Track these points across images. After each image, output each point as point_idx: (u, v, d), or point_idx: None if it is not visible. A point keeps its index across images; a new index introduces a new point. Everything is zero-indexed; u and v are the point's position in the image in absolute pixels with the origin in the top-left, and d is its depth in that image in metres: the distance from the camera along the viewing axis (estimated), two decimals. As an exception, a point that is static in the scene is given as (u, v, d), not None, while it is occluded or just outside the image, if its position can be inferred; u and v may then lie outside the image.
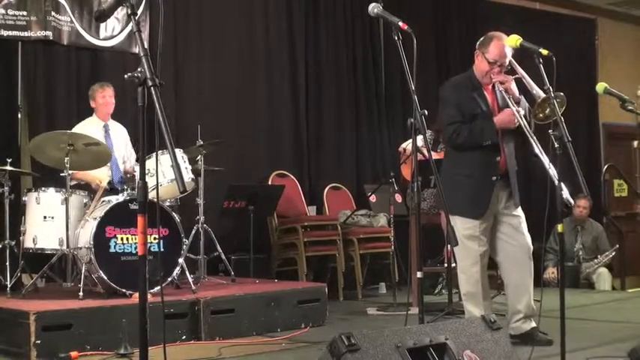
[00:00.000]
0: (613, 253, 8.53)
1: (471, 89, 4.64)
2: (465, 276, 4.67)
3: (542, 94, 4.26)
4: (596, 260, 8.46)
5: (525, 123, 4.44)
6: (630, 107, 4.32)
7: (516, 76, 4.64)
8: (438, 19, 9.47)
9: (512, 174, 4.67)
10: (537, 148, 4.28)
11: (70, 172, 5.36)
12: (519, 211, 4.72)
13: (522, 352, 3.96)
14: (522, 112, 4.49)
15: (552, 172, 4.02)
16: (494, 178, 4.58)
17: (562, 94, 4.23)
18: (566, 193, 3.90)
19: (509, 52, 4.52)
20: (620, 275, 9.32)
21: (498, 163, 4.60)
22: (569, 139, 3.79)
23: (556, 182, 3.88)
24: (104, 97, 6.12)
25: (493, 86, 4.66)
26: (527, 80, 4.63)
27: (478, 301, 4.61)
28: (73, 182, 5.83)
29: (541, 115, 4.34)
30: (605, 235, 8.79)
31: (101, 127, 6.13)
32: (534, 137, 4.34)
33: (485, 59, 4.58)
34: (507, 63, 4.59)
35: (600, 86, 4.35)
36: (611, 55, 11.22)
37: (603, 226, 9.29)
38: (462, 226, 4.58)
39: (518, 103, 4.55)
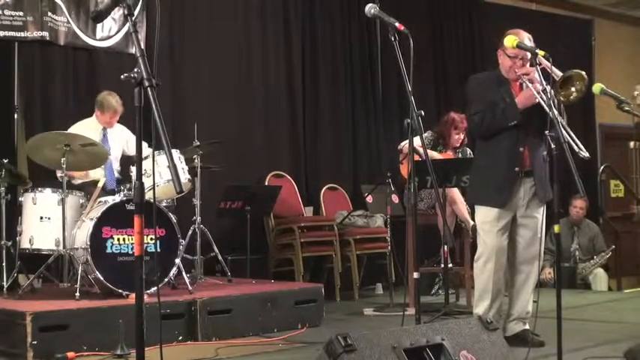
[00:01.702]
0: (609, 254, 8.54)
1: (497, 85, 4.65)
2: (478, 271, 4.67)
3: (560, 73, 4.21)
4: (592, 261, 8.47)
5: (546, 99, 4.30)
6: (627, 108, 4.31)
7: (541, 66, 4.59)
8: (435, 20, 9.47)
9: (537, 170, 4.61)
10: (559, 125, 4.14)
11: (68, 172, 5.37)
12: (541, 213, 4.67)
13: (519, 353, 3.96)
14: (543, 87, 4.36)
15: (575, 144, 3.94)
16: (517, 169, 4.57)
17: (582, 72, 4.19)
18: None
19: (528, 44, 4.50)
20: (617, 276, 9.35)
21: (522, 154, 4.57)
22: (566, 139, 3.79)
23: (584, 154, 3.86)
24: (112, 118, 6.12)
25: (521, 84, 4.65)
26: (554, 70, 4.56)
27: (486, 301, 4.61)
28: (79, 181, 5.84)
29: (564, 99, 4.27)
30: (601, 236, 8.80)
31: (99, 130, 6.12)
32: (555, 112, 4.19)
33: (506, 55, 4.59)
34: (529, 56, 4.56)
35: (597, 87, 4.35)
36: (607, 56, 11.23)
37: (599, 226, 9.31)
38: (483, 219, 4.62)
39: (544, 92, 4.50)
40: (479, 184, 4.77)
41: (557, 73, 4.28)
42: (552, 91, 4.18)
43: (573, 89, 4.21)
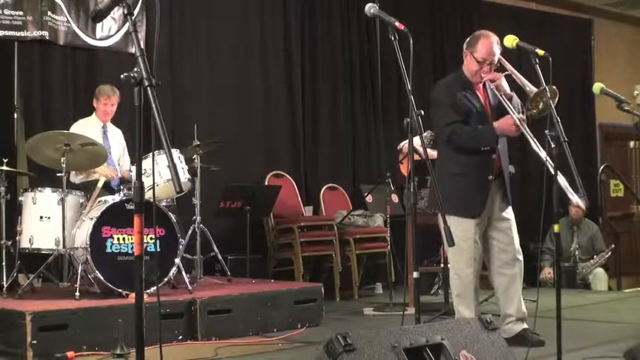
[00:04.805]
0: (609, 253, 8.54)
1: (462, 89, 4.60)
2: (459, 278, 4.67)
3: (534, 89, 4.25)
4: (592, 260, 8.47)
5: (526, 127, 4.38)
6: (626, 107, 4.33)
7: (506, 73, 4.63)
8: (435, 20, 9.46)
9: (506, 174, 4.68)
10: (535, 146, 4.25)
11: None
12: (510, 213, 4.72)
13: (518, 353, 3.96)
14: (521, 116, 4.44)
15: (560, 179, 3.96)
16: (490, 177, 4.57)
17: (554, 87, 4.21)
18: (574, 197, 3.93)
19: (497, 50, 4.50)
20: (616, 275, 9.34)
21: (494, 162, 4.59)
22: (566, 139, 3.80)
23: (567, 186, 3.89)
24: (106, 104, 6.08)
25: (484, 85, 4.65)
26: (518, 76, 4.61)
27: (470, 303, 4.62)
28: (82, 180, 5.84)
29: (535, 111, 4.32)
30: (601, 236, 8.81)
31: (99, 127, 6.11)
32: (531, 135, 4.31)
33: (474, 58, 4.56)
34: (496, 61, 4.56)
35: (597, 86, 4.36)
36: (607, 56, 11.23)
37: (599, 226, 9.31)
38: (457, 227, 4.54)
39: (510, 99, 4.53)
40: (449, 193, 4.48)
41: (525, 83, 4.31)
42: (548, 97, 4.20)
43: (541, 103, 4.25)
